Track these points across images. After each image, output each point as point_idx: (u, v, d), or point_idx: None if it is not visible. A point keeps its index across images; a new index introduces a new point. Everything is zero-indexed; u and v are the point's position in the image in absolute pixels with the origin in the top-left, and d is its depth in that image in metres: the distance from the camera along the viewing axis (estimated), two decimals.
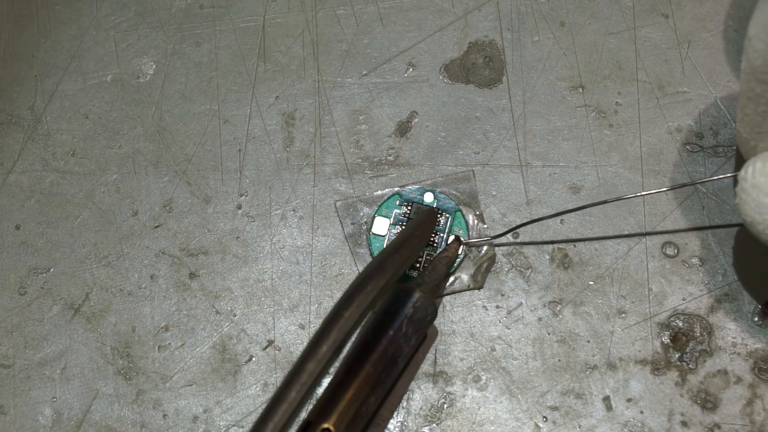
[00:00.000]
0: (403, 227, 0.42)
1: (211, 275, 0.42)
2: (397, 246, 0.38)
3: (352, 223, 0.42)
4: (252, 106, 0.45)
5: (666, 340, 0.40)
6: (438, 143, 0.43)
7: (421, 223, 0.40)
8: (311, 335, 0.35)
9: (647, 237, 0.42)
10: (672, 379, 0.40)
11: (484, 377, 0.40)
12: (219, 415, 0.40)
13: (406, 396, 0.40)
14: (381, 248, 0.42)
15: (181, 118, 0.45)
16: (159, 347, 0.41)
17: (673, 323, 0.40)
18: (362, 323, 0.37)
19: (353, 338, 0.37)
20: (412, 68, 0.45)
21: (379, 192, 0.42)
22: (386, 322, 0.37)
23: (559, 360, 0.40)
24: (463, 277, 0.41)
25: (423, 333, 0.39)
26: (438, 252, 0.41)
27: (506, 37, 0.45)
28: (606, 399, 0.40)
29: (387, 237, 0.42)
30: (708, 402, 0.39)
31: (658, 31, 0.44)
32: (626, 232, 0.42)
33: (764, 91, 0.34)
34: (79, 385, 0.41)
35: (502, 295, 0.41)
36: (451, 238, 0.41)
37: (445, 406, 0.40)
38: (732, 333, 0.40)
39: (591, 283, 0.41)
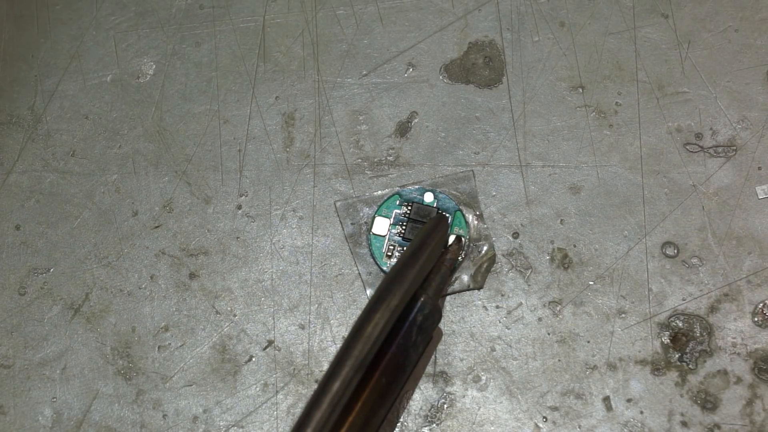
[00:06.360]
0: (414, 235, 0.40)
1: (211, 275, 0.42)
2: (412, 256, 0.37)
3: (352, 223, 0.42)
4: (252, 106, 0.45)
5: (666, 340, 0.40)
6: (438, 143, 0.43)
7: (432, 231, 0.39)
8: (336, 352, 0.34)
9: (647, 237, 0.42)
10: (672, 379, 0.40)
11: (484, 377, 0.40)
12: (219, 415, 0.40)
13: (406, 396, 0.40)
14: (380, 248, 0.42)
15: (181, 118, 0.45)
16: (159, 347, 0.41)
17: (673, 323, 0.40)
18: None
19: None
20: (412, 68, 0.45)
21: (379, 192, 0.42)
22: (393, 330, 0.37)
23: (559, 360, 0.40)
24: (463, 277, 0.41)
25: (429, 338, 0.38)
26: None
27: (506, 38, 0.45)
28: (606, 399, 0.40)
29: (387, 237, 0.42)
30: (708, 402, 0.39)
31: (658, 31, 0.44)
32: (626, 232, 0.42)
33: None
34: (79, 385, 0.41)
35: (502, 295, 0.41)
36: (452, 238, 0.41)
37: (445, 406, 0.40)
38: (732, 333, 0.40)
39: (591, 283, 0.41)
